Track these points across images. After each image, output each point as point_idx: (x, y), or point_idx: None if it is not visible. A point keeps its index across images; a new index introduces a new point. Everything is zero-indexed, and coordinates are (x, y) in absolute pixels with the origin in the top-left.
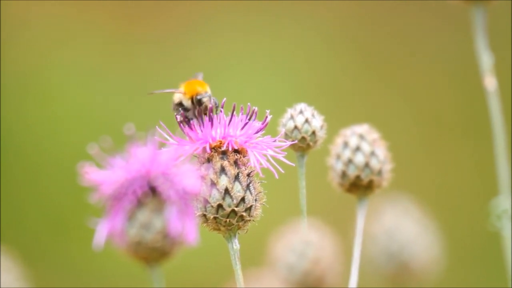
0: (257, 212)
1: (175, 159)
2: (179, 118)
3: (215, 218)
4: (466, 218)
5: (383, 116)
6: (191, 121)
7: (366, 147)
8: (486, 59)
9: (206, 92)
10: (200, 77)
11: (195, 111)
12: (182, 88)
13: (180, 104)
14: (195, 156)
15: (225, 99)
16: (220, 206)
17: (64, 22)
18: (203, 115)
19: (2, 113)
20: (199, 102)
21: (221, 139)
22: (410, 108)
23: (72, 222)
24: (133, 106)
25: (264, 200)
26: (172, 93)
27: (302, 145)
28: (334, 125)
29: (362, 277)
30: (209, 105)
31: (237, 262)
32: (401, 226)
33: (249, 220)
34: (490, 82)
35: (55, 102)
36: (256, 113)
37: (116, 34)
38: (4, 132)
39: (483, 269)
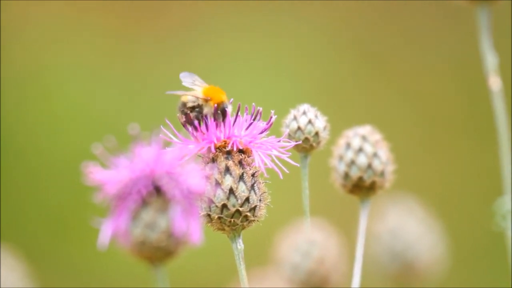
0: (262, 212)
1: (179, 159)
2: (183, 119)
3: (219, 218)
4: (471, 218)
5: (387, 117)
6: (195, 122)
7: (368, 148)
8: (490, 59)
9: (228, 102)
10: (196, 77)
11: (217, 118)
12: (201, 93)
13: (194, 108)
14: (200, 156)
15: (232, 99)
16: (224, 206)
17: (64, 22)
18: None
19: (2, 113)
20: (224, 111)
21: (226, 139)
22: (414, 109)
23: (72, 222)
24: (133, 106)
25: (268, 200)
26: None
27: (305, 146)
28: (338, 126)
29: (366, 277)
30: (228, 113)
31: (241, 262)
32: (405, 226)
33: (254, 220)
34: (495, 82)
35: (55, 102)
36: (260, 114)
37: (117, 34)
38: (4, 132)
39: (487, 269)
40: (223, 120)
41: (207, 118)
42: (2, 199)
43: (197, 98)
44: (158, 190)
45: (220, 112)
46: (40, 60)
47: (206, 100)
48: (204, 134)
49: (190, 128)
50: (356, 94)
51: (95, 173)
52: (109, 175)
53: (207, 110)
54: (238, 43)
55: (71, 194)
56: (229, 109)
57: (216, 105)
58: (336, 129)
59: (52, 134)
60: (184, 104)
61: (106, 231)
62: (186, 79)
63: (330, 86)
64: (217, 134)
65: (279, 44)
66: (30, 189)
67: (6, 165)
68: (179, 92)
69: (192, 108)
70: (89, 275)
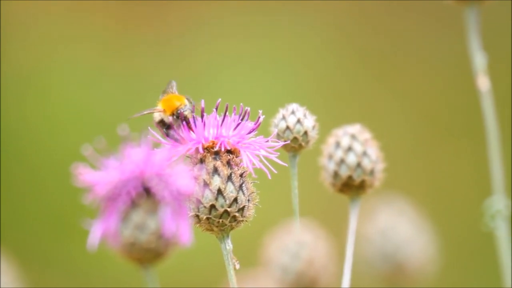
0: (250, 212)
1: (169, 160)
2: (166, 134)
3: (208, 218)
4: (461, 218)
5: (380, 116)
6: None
7: (358, 147)
8: (479, 60)
9: (185, 105)
10: (174, 86)
11: (178, 125)
12: (160, 106)
13: (161, 122)
14: (188, 157)
15: (219, 100)
16: (213, 206)
17: (65, 23)
18: (186, 126)
19: (2, 113)
20: (178, 115)
21: (214, 140)
22: (405, 108)
23: (72, 222)
24: (133, 107)
25: (257, 200)
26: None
27: (294, 145)
28: (333, 126)
29: (357, 277)
30: (191, 117)
31: (230, 263)
32: (396, 227)
33: (242, 221)
34: (483, 83)
35: (55, 102)
36: (248, 114)
37: (117, 35)
38: (4, 132)
39: (477, 269)
40: (184, 121)
41: (168, 127)
42: (2, 199)
43: (160, 112)
44: (147, 192)
45: (176, 117)
46: (40, 60)
47: (164, 112)
48: (186, 134)
49: (170, 137)
50: (350, 94)
51: (84, 174)
52: (99, 177)
53: (166, 119)
54: (237, 44)
55: (71, 193)
56: (187, 112)
57: (172, 113)
58: (331, 128)
59: (52, 134)
60: (154, 121)
61: (96, 232)
62: (168, 88)
63: (325, 86)
64: (205, 134)
65: (277, 45)
66: (30, 189)
67: (6, 165)
68: (143, 112)
69: (160, 122)
70: (89, 275)
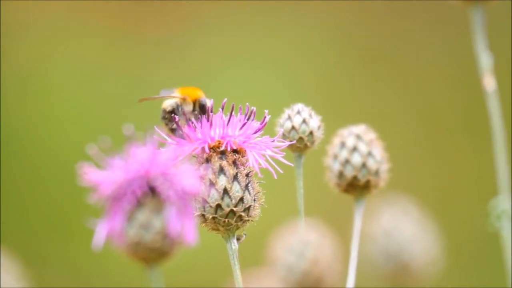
0: (256, 212)
1: (174, 159)
2: (168, 126)
3: (213, 218)
4: (466, 218)
5: (382, 116)
6: (188, 122)
7: (363, 148)
8: (485, 60)
9: (205, 97)
10: (174, 90)
11: (196, 114)
12: (178, 93)
13: (173, 111)
14: (194, 156)
15: (225, 99)
16: (218, 206)
17: (65, 23)
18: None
19: (2, 113)
20: (203, 106)
21: (219, 139)
22: (409, 108)
23: (72, 222)
24: (133, 107)
25: (262, 200)
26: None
27: (300, 146)
28: (334, 126)
29: (362, 277)
30: (208, 107)
31: (236, 262)
32: (400, 227)
33: (248, 220)
34: (489, 83)
35: (55, 102)
36: (254, 113)
37: (117, 35)
38: (4, 132)
39: (482, 269)
40: (204, 114)
41: (189, 117)
42: (2, 199)
43: (175, 99)
44: (153, 191)
45: (199, 107)
46: (40, 60)
47: (184, 99)
48: (192, 133)
49: (176, 133)
50: (352, 94)
51: (90, 174)
52: (104, 176)
53: (186, 108)
54: (238, 44)
55: (71, 194)
56: (209, 104)
57: (195, 101)
58: (332, 128)
59: (52, 134)
60: (164, 111)
61: (101, 232)
62: (164, 94)
63: (327, 86)
64: (211, 134)
65: (278, 45)
66: (30, 189)
67: (6, 165)
68: (155, 97)
69: (172, 112)
70: (89, 275)
